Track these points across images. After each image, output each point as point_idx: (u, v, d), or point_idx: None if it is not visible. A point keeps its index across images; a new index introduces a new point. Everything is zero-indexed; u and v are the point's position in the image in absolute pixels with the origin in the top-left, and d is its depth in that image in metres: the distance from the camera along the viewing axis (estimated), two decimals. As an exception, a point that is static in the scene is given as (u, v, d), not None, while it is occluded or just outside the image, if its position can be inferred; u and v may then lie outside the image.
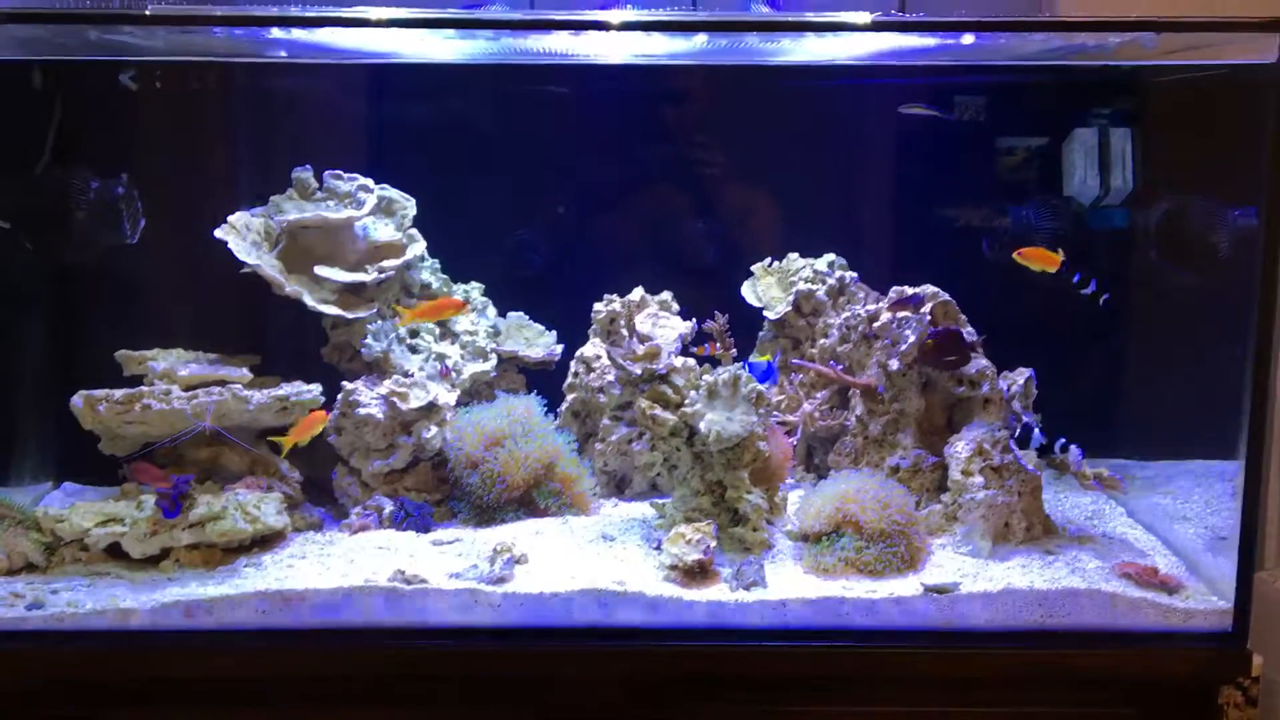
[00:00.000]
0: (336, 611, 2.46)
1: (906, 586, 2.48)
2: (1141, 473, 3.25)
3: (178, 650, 2.42)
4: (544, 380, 3.37)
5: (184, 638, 2.43)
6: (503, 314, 3.42)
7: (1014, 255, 2.85)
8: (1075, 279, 2.78)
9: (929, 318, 2.89)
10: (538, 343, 3.40)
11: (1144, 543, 2.79)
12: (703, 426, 2.65)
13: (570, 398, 3.29)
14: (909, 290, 2.96)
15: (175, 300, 3.40)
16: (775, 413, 3.23)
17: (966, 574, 2.57)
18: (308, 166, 3.19)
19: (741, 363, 2.77)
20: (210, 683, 2.44)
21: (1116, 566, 2.55)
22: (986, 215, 3.40)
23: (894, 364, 2.92)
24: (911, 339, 2.87)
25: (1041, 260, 2.86)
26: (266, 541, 2.77)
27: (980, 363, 2.89)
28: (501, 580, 2.49)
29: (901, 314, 2.92)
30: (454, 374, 3.20)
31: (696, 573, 2.51)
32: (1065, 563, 2.63)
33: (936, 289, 2.96)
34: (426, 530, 2.87)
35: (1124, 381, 3.37)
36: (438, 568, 2.55)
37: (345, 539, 2.84)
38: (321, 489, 3.07)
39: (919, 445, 2.92)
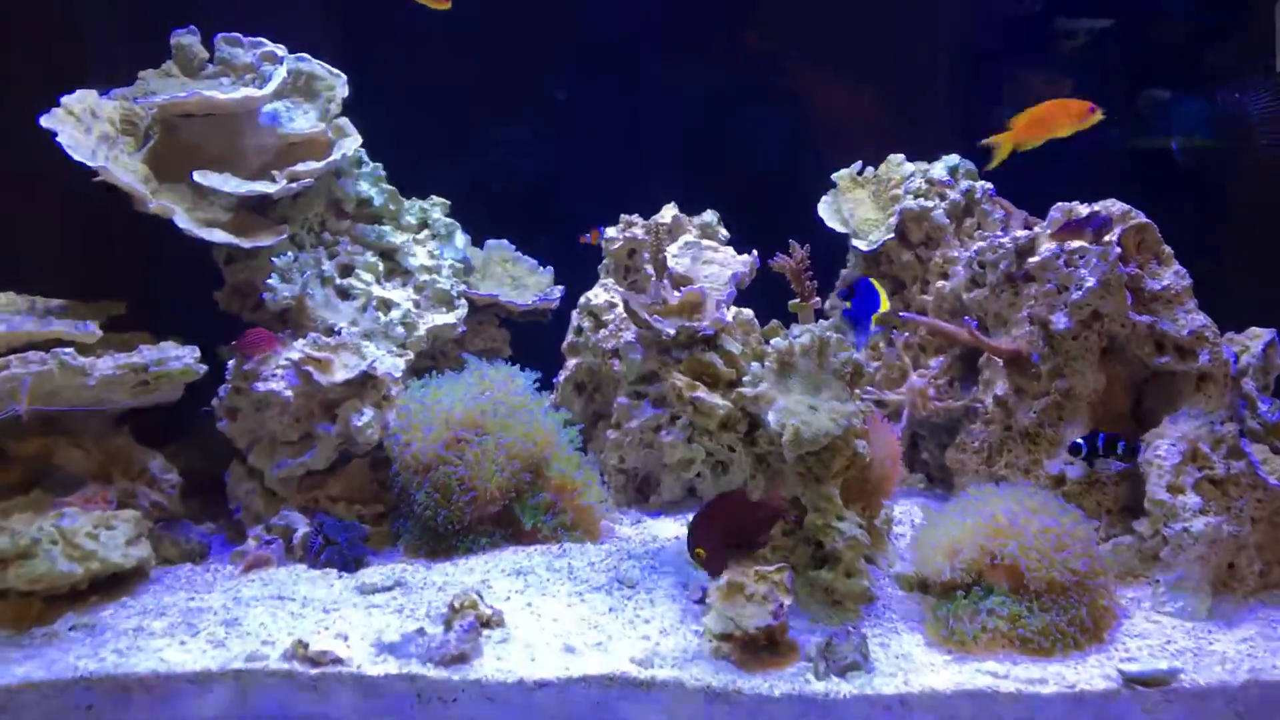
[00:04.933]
0: (197, 712, 1.97)
1: (1093, 674, 1.98)
2: None
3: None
4: (537, 337, 3.09)
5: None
6: (479, 242, 3.13)
7: None
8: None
9: (1118, 250, 2.34)
10: (526, 283, 3.08)
11: None
12: (772, 418, 2.16)
13: (572, 363, 2.94)
14: (1083, 209, 2.46)
15: (19, 225, 2.90)
16: (868, 388, 2.67)
17: (1183, 650, 2.07)
18: (193, 28, 2.84)
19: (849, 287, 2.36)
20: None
21: None
22: (1173, 103, 2.90)
23: (1060, 320, 2.43)
24: (1091, 283, 2.36)
25: None
26: (116, 583, 2.34)
27: (1196, 319, 2.38)
28: (460, 659, 2.00)
29: (1075, 244, 2.40)
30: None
31: (763, 646, 2.04)
32: (1331, 630, 2.16)
33: (1126, 206, 2.45)
34: (355, 565, 2.45)
35: None
36: (364, 633, 2.13)
37: (233, 580, 2.42)
38: (222, 492, 2.75)
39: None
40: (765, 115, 3.12)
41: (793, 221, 2.86)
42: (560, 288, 3.09)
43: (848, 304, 2.35)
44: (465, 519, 2.49)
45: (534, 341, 3.05)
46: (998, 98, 3.16)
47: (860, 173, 2.98)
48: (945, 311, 2.75)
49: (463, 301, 2.94)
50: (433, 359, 2.92)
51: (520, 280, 3.09)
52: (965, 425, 2.66)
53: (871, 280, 2.33)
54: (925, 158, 2.98)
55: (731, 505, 2.25)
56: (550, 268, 3.13)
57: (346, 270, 2.85)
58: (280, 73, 2.75)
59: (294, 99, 2.85)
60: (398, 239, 2.92)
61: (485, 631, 2.10)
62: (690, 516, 2.44)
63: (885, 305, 2.25)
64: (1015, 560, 2.10)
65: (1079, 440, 2.35)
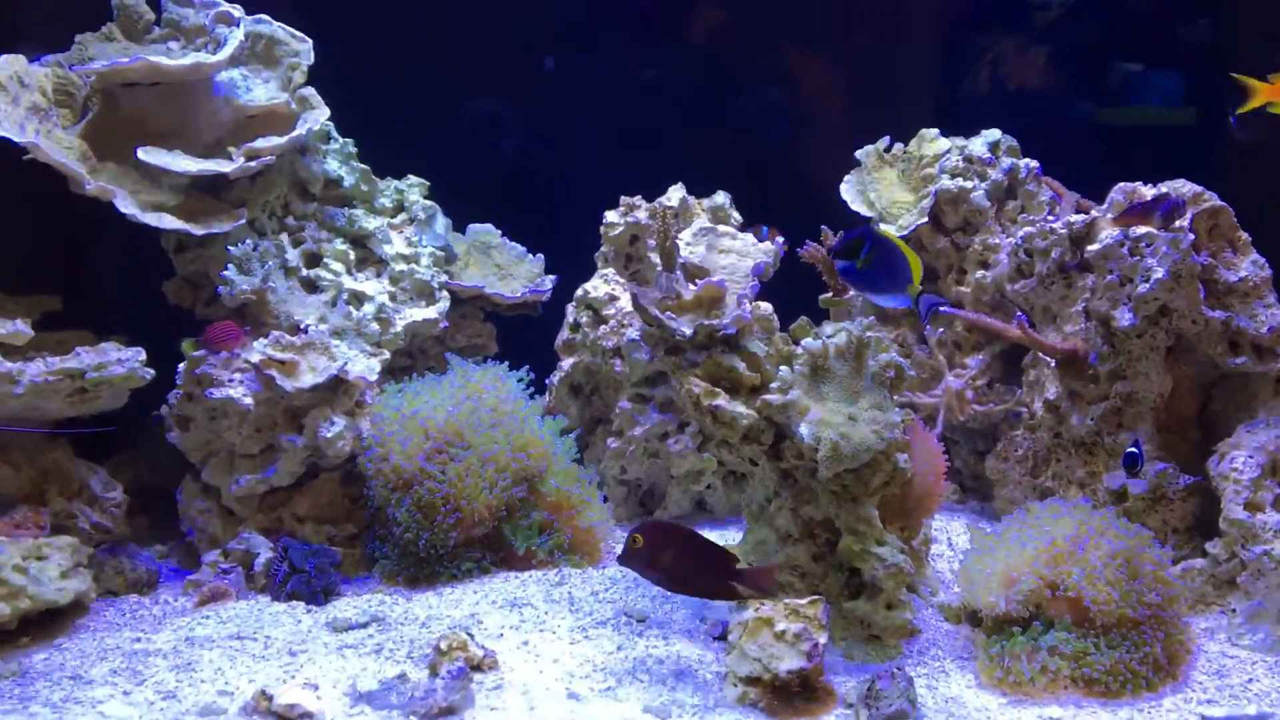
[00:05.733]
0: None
1: (1169, 718, 1.87)
2: None
3: None
4: (527, 332, 3.02)
5: None
6: (460, 228, 3.05)
7: None
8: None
9: (1191, 237, 2.18)
10: (514, 273, 3.00)
11: None
12: (805, 431, 1.99)
13: (567, 363, 2.85)
14: (1148, 191, 2.31)
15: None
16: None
17: (1268, 691, 1.94)
18: (139, -14, 2.76)
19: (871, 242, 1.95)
20: None
21: None
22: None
23: (1124, 316, 2.29)
24: (1160, 274, 2.23)
25: None
26: (51, 621, 2.20)
27: (1276, 314, 2.29)
28: (448, 712, 1.85)
29: (1141, 229, 2.25)
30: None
31: (796, 692, 1.90)
32: None
33: (1197, 187, 2.32)
34: (325, 596, 2.30)
35: None
36: (336, 679, 1.96)
37: (185, 615, 2.26)
38: (173, 511, 2.61)
39: (1158, 452, 2.34)
40: (781, 92, 3.05)
41: (817, 200, 2.86)
42: (552, 278, 3.00)
43: (860, 263, 1.94)
44: (450, 542, 2.36)
45: (523, 338, 2.97)
46: (971, 69, 3.11)
47: (888, 149, 2.84)
48: (985, 304, 2.65)
49: (444, 294, 2.86)
50: (411, 358, 2.85)
51: (507, 269, 3.00)
52: (1005, 431, 2.56)
53: (880, 231, 1.99)
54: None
55: (707, 555, 2.02)
56: (540, 255, 3.02)
57: (313, 259, 2.74)
58: (236, 36, 2.61)
59: (252, 66, 2.75)
60: (371, 224, 2.83)
61: (476, 676, 1.95)
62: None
63: (915, 263, 1.88)
64: (1080, 589, 1.95)
65: (1133, 450, 2.19)
